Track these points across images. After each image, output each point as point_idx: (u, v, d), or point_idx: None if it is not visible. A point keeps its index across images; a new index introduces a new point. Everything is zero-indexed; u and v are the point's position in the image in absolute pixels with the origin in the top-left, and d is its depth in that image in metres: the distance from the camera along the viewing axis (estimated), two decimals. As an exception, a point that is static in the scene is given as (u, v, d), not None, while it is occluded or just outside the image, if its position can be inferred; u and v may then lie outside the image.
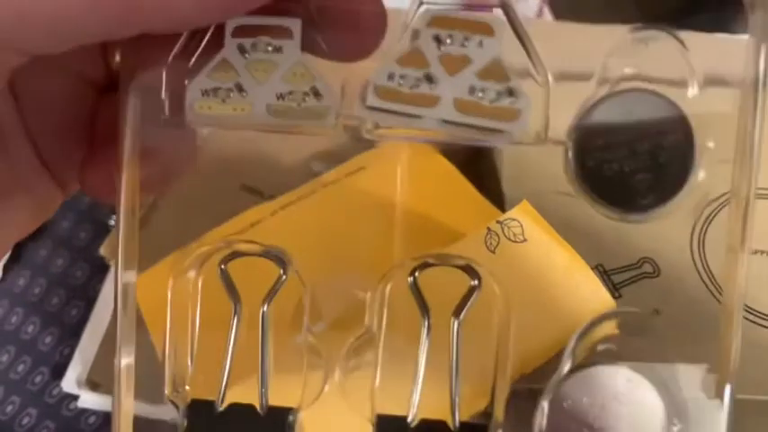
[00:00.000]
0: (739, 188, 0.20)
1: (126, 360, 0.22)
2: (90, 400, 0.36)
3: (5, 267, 0.42)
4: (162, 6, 0.19)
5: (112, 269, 0.35)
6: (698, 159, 0.21)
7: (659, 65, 0.21)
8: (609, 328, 0.24)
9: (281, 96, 0.22)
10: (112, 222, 0.41)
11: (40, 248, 0.42)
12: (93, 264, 0.40)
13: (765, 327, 0.28)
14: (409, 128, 0.21)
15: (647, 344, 0.23)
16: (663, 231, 0.29)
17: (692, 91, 0.21)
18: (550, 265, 0.26)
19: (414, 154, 0.31)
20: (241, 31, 0.21)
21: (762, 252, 0.30)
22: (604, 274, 0.29)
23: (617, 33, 0.21)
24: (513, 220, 0.26)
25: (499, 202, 0.31)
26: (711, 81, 0.21)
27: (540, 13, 0.40)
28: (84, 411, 0.37)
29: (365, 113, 0.21)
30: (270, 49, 0.21)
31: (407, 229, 0.29)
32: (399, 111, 0.21)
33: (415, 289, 0.23)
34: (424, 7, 0.21)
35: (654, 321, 0.25)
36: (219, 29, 0.22)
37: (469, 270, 0.23)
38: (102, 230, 0.41)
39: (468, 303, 0.22)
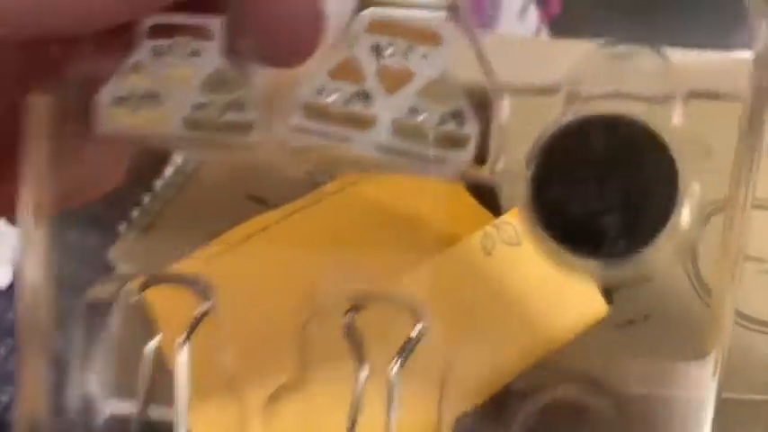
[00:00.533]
0: (735, 201, 0.18)
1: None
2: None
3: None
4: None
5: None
6: (681, 198, 0.17)
7: (640, 84, 0.18)
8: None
9: (198, 107, 0.19)
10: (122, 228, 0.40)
11: None
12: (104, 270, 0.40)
13: (755, 331, 0.28)
14: (339, 152, 0.18)
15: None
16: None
17: (678, 118, 0.17)
18: (544, 267, 0.24)
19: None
20: (157, 32, 0.19)
21: (755, 259, 0.30)
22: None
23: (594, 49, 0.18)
24: (508, 223, 0.26)
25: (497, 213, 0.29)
26: (704, 95, 0.18)
27: (537, 34, 0.39)
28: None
29: (289, 133, 0.18)
30: (188, 52, 0.19)
31: (409, 237, 0.28)
32: (329, 132, 0.18)
33: (351, 333, 0.20)
34: (368, 10, 0.18)
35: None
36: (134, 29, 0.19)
37: (413, 310, 0.20)
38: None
39: (408, 350, 0.20)
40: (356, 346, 0.20)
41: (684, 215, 0.18)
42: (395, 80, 0.18)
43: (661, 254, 0.18)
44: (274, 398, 0.21)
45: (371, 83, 0.18)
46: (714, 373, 0.19)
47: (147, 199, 0.34)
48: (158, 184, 0.34)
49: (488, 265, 0.25)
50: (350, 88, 0.18)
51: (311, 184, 0.31)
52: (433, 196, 0.29)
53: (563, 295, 0.24)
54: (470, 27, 0.18)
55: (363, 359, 0.19)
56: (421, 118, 0.17)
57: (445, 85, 0.17)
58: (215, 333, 0.21)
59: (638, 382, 0.21)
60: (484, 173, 0.18)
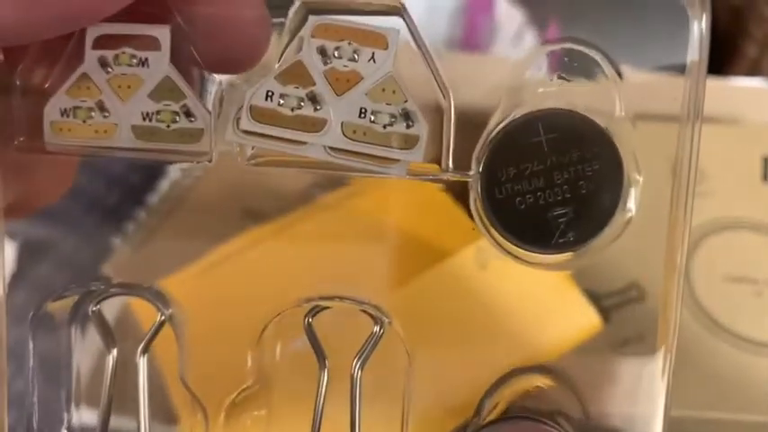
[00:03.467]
0: (676, 223, 0.18)
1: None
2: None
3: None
4: None
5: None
6: (626, 193, 0.18)
7: (584, 88, 0.18)
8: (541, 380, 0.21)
9: (147, 116, 0.19)
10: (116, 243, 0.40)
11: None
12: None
13: (751, 352, 0.29)
14: (292, 155, 0.18)
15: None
16: (648, 257, 0.29)
17: (619, 113, 0.18)
18: (538, 283, 0.25)
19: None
20: (103, 42, 0.19)
21: (749, 281, 0.30)
22: (594, 297, 0.28)
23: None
24: None
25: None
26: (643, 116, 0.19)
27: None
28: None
29: (240, 138, 0.18)
30: (135, 61, 0.19)
31: (402, 252, 0.28)
32: (279, 136, 0.18)
33: (311, 335, 0.20)
34: (311, 18, 0.18)
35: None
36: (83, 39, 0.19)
37: (372, 314, 0.20)
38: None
39: (368, 348, 0.20)
40: (317, 348, 0.20)
41: (630, 204, 0.18)
42: (343, 82, 0.18)
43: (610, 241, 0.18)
44: (235, 405, 0.21)
45: (320, 85, 0.18)
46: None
47: (141, 213, 0.34)
48: (153, 198, 0.34)
49: (482, 279, 0.25)
50: (299, 92, 0.18)
51: (306, 198, 0.31)
52: (425, 212, 0.29)
53: (556, 309, 0.25)
54: (417, 29, 0.18)
55: (324, 359, 0.20)
56: (371, 119, 0.18)
57: (393, 86, 0.18)
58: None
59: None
60: (434, 170, 0.18)
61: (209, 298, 0.25)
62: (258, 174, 0.32)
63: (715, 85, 0.33)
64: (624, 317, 0.28)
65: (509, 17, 0.39)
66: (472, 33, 0.39)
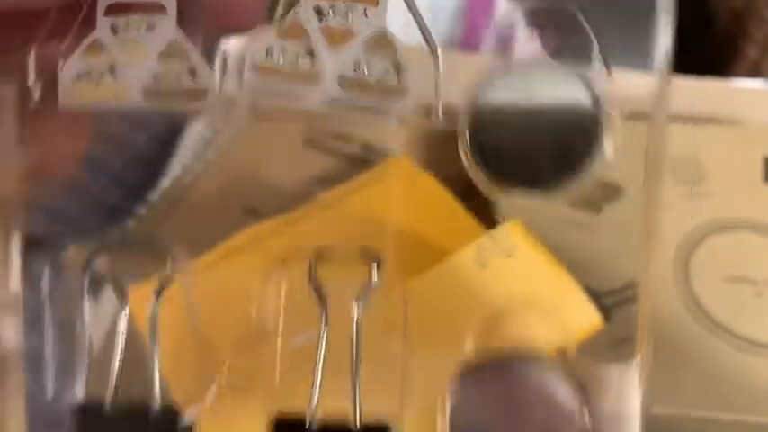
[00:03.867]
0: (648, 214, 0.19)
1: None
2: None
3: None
4: None
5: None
6: (605, 135, 0.19)
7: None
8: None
9: (156, 78, 0.20)
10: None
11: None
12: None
13: (750, 352, 0.29)
14: (290, 107, 0.19)
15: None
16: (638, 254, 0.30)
17: (597, 65, 0.19)
18: (539, 280, 0.25)
19: (409, 176, 0.31)
20: (114, 9, 0.20)
21: (749, 281, 0.30)
22: (594, 296, 0.28)
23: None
24: (502, 235, 0.26)
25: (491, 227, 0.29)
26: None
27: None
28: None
29: (242, 92, 0.20)
30: (143, 27, 0.20)
31: (401, 250, 0.28)
32: (279, 89, 0.19)
33: (313, 279, 0.21)
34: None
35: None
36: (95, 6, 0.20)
37: (366, 253, 0.21)
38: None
39: (367, 293, 0.21)
40: (318, 293, 0.21)
41: (608, 146, 0.20)
42: (337, 38, 0.19)
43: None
44: (240, 350, 0.22)
45: (316, 41, 0.19)
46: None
47: (142, 210, 0.34)
48: (154, 195, 0.35)
49: (482, 278, 0.25)
50: (296, 48, 0.19)
51: (306, 195, 0.31)
52: (425, 209, 0.30)
53: (556, 307, 0.25)
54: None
55: (326, 303, 0.21)
56: (364, 71, 0.19)
57: (385, 40, 0.19)
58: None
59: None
60: (425, 120, 0.20)
61: (208, 297, 0.26)
62: (258, 171, 0.33)
63: (716, 86, 0.34)
64: (623, 317, 0.28)
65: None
66: (472, 33, 0.40)
